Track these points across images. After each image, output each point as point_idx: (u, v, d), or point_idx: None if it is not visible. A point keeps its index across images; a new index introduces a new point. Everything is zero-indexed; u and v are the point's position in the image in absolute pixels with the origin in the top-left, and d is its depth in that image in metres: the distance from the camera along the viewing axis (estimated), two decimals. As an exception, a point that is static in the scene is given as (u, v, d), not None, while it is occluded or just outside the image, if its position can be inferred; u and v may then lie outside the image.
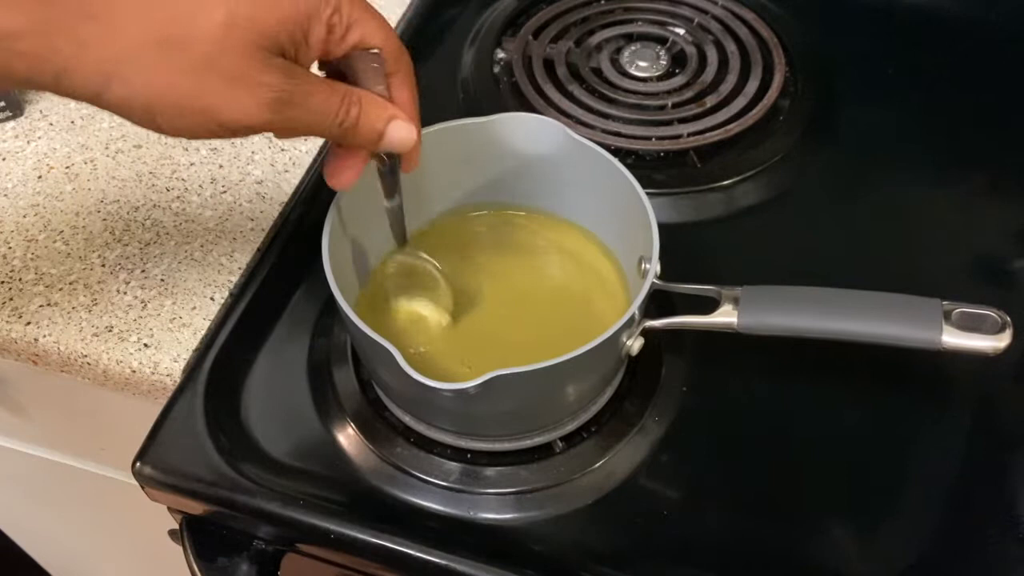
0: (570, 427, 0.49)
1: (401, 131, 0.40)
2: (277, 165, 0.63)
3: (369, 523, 0.46)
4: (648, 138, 0.63)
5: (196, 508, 0.49)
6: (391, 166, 0.44)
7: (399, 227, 0.48)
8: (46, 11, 0.31)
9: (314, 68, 0.39)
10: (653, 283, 0.44)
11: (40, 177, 0.62)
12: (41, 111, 0.66)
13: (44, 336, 0.53)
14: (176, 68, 0.33)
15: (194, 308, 0.55)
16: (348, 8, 0.37)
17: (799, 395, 0.52)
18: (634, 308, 0.43)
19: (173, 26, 0.32)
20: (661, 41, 0.71)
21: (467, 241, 0.54)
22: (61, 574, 1.16)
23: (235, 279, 0.56)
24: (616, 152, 0.52)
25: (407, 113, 0.40)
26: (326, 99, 0.37)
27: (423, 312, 0.50)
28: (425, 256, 0.50)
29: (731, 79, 0.67)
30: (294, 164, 0.63)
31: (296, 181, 0.62)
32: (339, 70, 0.40)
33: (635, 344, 0.46)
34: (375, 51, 0.39)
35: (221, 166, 0.63)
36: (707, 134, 0.63)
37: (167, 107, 0.34)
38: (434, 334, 0.50)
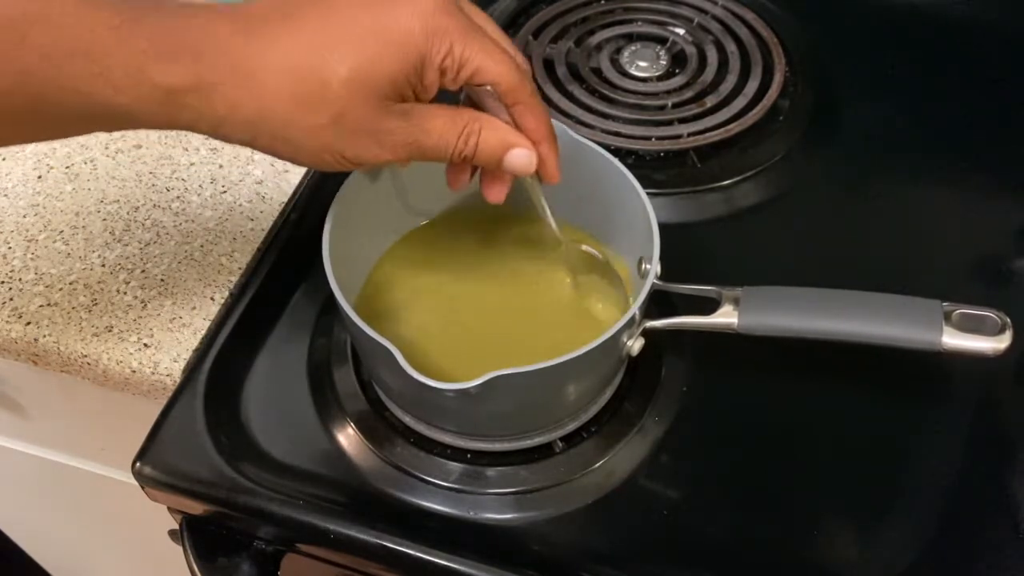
0: (570, 427, 0.49)
1: (519, 159, 0.42)
2: (277, 165, 0.63)
3: (369, 523, 0.46)
4: (648, 138, 0.63)
5: (196, 508, 0.49)
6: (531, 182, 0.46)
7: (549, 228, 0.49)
8: (204, 72, 0.35)
9: None
10: (653, 283, 0.44)
11: (40, 177, 0.62)
12: (41, 111, 0.66)
13: (44, 336, 0.53)
14: (311, 124, 0.37)
15: (194, 308, 0.55)
16: (460, 48, 0.38)
17: (799, 396, 0.52)
18: (635, 308, 0.43)
19: (306, 85, 0.36)
20: (661, 41, 0.71)
21: (467, 241, 0.54)
22: (61, 574, 1.16)
23: (235, 279, 0.56)
24: (616, 152, 0.52)
25: (534, 137, 0.42)
26: (443, 134, 0.40)
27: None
28: (587, 248, 0.51)
29: (731, 79, 0.67)
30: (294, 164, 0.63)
31: (296, 181, 0.62)
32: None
33: (635, 344, 0.46)
34: (487, 87, 0.41)
35: (221, 166, 0.63)
36: (707, 134, 0.63)
37: (307, 154, 0.38)
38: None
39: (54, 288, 0.56)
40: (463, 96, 0.44)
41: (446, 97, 0.41)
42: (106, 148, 0.64)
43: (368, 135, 0.38)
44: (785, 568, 0.46)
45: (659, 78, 0.68)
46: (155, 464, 0.48)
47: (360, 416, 0.50)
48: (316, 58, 0.36)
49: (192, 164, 0.63)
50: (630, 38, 0.71)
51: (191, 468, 0.48)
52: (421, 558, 0.45)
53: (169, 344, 0.53)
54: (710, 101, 0.65)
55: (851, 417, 0.51)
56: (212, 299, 0.55)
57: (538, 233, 0.54)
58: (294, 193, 0.61)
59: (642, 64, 0.68)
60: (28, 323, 0.54)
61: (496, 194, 0.45)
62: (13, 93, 0.34)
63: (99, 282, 0.56)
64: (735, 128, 0.63)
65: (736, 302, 0.46)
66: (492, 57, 0.39)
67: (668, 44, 0.70)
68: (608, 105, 0.65)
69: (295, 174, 0.62)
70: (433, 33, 0.37)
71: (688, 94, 0.66)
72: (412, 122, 0.39)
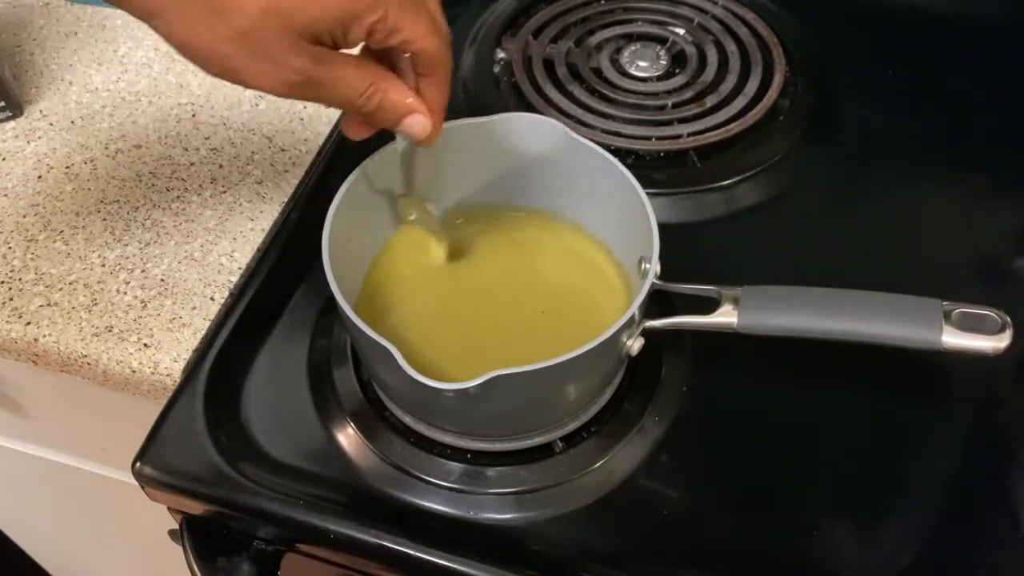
0: (570, 427, 0.49)
1: (416, 125, 0.43)
2: (277, 165, 0.63)
3: (369, 523, 0.46)
4: (648, 138, 0.63)
5: (196, 508, 0.49)
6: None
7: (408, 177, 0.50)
8: None
9: None
10: (653, 283, 0.44)
11: (40, 177, 0.62)
12: (41, 111, 0.66)
13: (44, 336, 0.53)
14: (213, 31, 0.36)
15: (194, 308, 0.55)
16: (395, 15, 0.38)
17: (799, 395, 0.52)
18: (634, 308, 0.43)
19: None
20: (661, 41, 0.71)
21: (467, 241, 0.54)
22: (61, 574, 1.16)
23: (235, 279, 0.56)
24: (616, 152, 0.51)
25: (431, 110, 0.43)
26: (351, 85, 0.40)
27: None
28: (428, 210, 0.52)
29: (731, 79, 0.67)
30: (294, 164, 0.63)
31: (296, 181, 0.62)
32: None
33: (635, 344, 0.46)
34: (407, 56, 0.41)
35: (221, 166, 0.63)
36: (707, 134, 0.63)
37: (198, 57, 0.37)
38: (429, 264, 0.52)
39: (54, 288, 0.56)
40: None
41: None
42: (106, 148, 0.64)
43: (270, 64, 0.37)
44: (785, 568, 0.46)
45: (659, 78, 0.68)
46: (155, 464, 0.48)
47: (360, 416, 0.50)
48: None
49: (192, 164, 0.63)
50: (630, 38, 0.71)
51: (191, 468, 0.48)
52: (421, 558, 0.45)
53: (169, 344, 0.53)
54: (710, 101, 0.65)
55: (851, 417, 0.51)
56: (212, 299, 0.55)
57: (533, 235, 0.55)
58: (294, 193, 0.61)
59: (642, 64, 0.68)
60: (28, 323, 0.54)
61: (358, 133, 0.45)
62: None
63: (99, 282, 0.56)
64: (735, 128, 0.63)
65: (736, 302, 0.46)
66: (423, 28, 0.39)
67: (668, 44, 0.70)
68: (608, 105, 0.65)
69: (295, 174, 0.62)
70: None
71: (688, 94, 0.66)
72: (320, 68, 0.38)
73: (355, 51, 0.41)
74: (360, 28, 0.38)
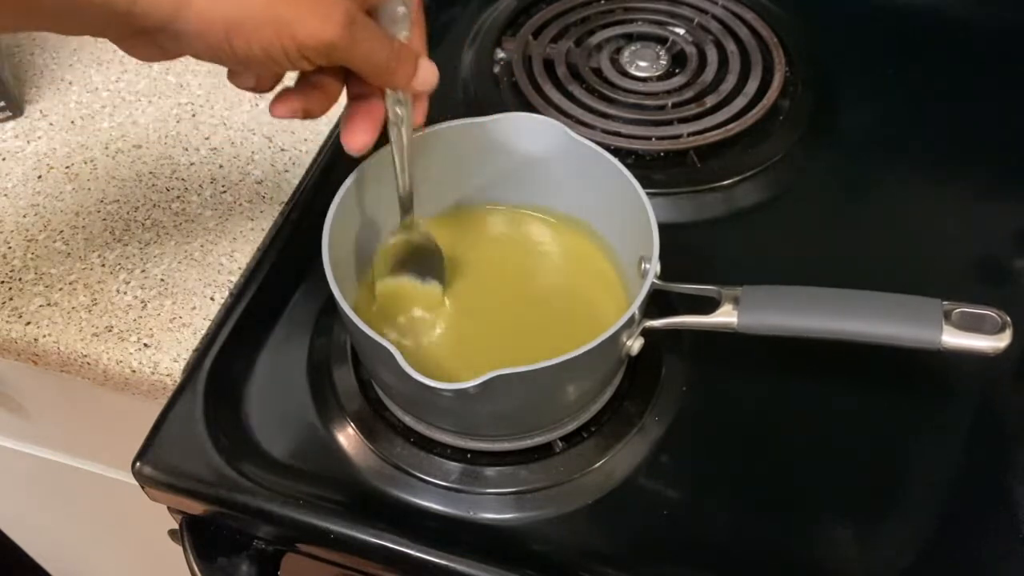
0: (570, 427, 0.49)
1: (429, 70, 0.42)
2: (277, 165, 0.63)
3: (369, 523, 0.46)
4: (648, 138, 0.63)
5: (196, 508, 0.49)
6: (404, 118, 0.45)
7: (407, 197, 0.48)
8: None
9: None
10: (653, 283, 0.44)
11: (40, 177, 0.62)
12: (41, 111, 0.66)
13: (44, 336, 0.53)
14: None
15: (194, 308, 0.55)
16: None
17: (799, 395, 0.52)
18: (634, 308, 0.43)
19: None
20: (661, 41, 0.71)
21: (467, 241, 0.54)
22: (61, 574, 1.16)
23: (235, 279, 0.56)
24: (616, 152, 0.51)
25: (421, 53, 0.43)
26: (382, 43, 0.39)
27: (414, 290, 0.51)
28: (426, 233, 0.50)
29: (731, 79, 0.67)
30: (294, 164, 0.63)
31: (296, 181, 0.62)
32: None
33: (635, 344, 0.46)
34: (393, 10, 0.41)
35: (221, 166, 0.63)
36: (707, 134, 0.63)
37: (246, 19, 0.34)
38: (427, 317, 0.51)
39: (54, 288, 0.56)
40: None
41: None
42: (106, 148, 0.64)
43: (314, 7, 0.35)
44: (785, 568, 0.46)
45: (659, 78, 0.68)
46: (155, 464, 0.48)
47: (360, 416, 0.50)
48: None
49: (192, 164, 0.63)
50: (630, 38, 0.71)
51: (191, 468, 0.48)
52: (420, 558, 0.45)
53: (169, 344, 0.53)
54: (710, 101, 0.65)
55: (851, 416, 0.51)
56: (212, 299, 0.55)
57: (533, 235, 0.55)
58: (294, 193, 0.61)
59: (642, 64, 0.68)
60: (28, 323, 0.54)
61: (364, 139, 0.43)
62: None
63: (99, 282, 0.56)
64: (735, 128, 0.63)
65: (736, 301, 0.46)
66: None
67: (668, 44, 0.70)
68: (608, 105, 0.65)
69: (295, 174, 0.62)
70: None
71: (688, 94, 0.66)
72: (358, 23, 0.37)
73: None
74: None
